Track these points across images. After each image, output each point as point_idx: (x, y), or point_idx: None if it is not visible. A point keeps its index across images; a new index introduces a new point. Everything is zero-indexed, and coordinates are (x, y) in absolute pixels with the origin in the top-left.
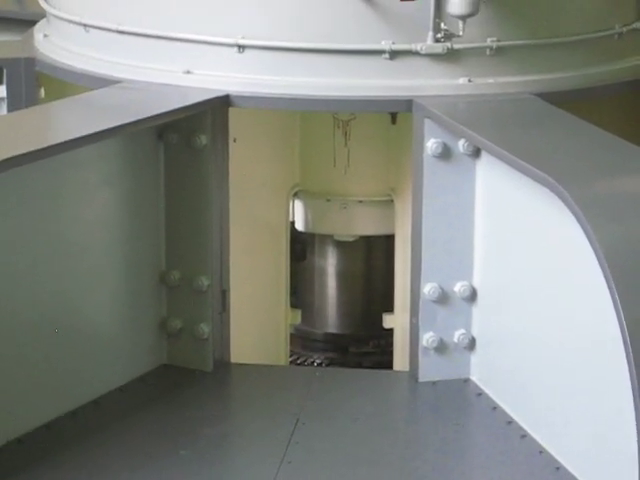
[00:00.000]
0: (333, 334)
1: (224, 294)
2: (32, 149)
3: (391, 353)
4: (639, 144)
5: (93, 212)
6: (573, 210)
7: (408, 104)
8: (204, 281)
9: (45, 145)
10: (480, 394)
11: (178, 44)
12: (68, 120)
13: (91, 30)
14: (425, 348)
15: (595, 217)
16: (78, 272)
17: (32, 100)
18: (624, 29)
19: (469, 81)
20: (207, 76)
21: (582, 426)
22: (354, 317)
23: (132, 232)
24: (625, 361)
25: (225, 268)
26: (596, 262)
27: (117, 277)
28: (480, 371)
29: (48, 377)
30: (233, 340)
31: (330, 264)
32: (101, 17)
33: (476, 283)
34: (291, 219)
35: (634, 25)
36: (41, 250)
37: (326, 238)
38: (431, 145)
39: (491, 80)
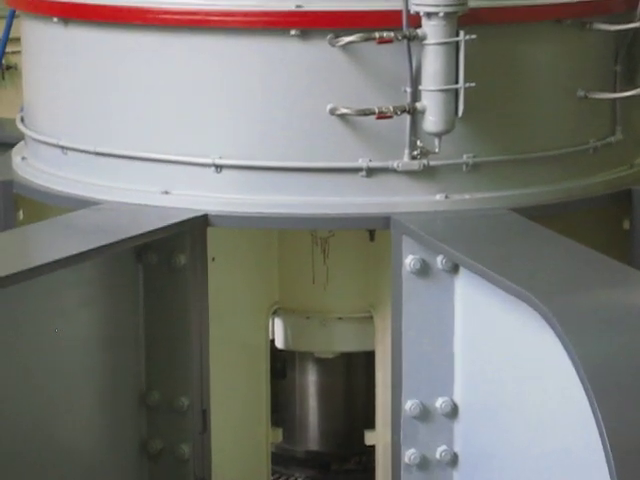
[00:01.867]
0: (314, 452)
1: (204, 414)
2: (8, 273)
3: (373, 470)
4: (617, 257)
5: (71, 335)
6: (552, 325)
7: (386, 221)
8: (184, 401)
9: (22, 269)
10: None
11: (155, 165)
12: (46, 243)
13: (69, 152)
14: (407, 465)
15: (575, 332)
16: (56, 396)
17: (10, 223)
18: (599, 143)
19: (446, 197)
20: (185, 196)
21: None
22: (335, 434)
23: (111, 354)
24: (608, 476)
25: (205, 388)
26: (577, 378)
27: (97, 400)
28: None
29: None
30: (214, 459)
31: (311, 381)
32: (78, 139)
33: (457, 399)
34: (271, 337)
35: (608, 139)
36: (17, 374)
37: (306, 355)
38: (410, 262)
39: (468, 196)
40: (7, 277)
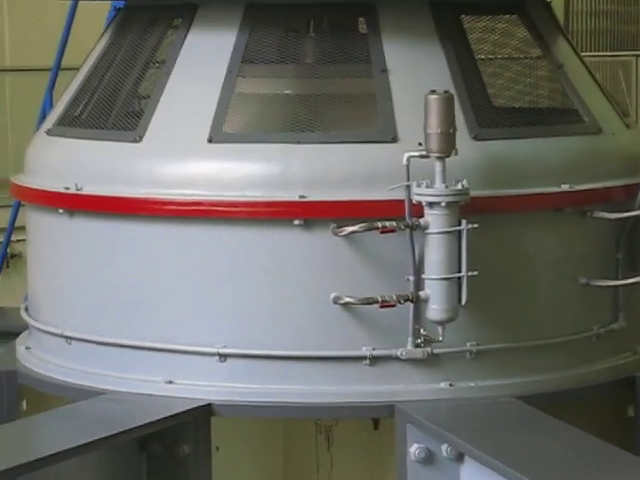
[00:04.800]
0: None
1: None
2: (12, 465)
3: None
4: (621, 444)
5: None
6: None
7: (390, 409)
8: None
9: (25, 461)
10: None
11: (159, 354)
12: (49, 434)
13: (73, 342)
14: None
15: None
16: None
17: (13, 413)
18: (602, 330)
19: (450, 385)
20: (189, 385)
21: None
22: None
23: None
24: None
25: None
26: None
27: None
28: None
29: None
30: None
31: None
32: (82, 329)
33: None
34: None
35: (611, 326)
36: None
37: None
38: (414, 450)
39: (472, 384)
40: (8, 470)
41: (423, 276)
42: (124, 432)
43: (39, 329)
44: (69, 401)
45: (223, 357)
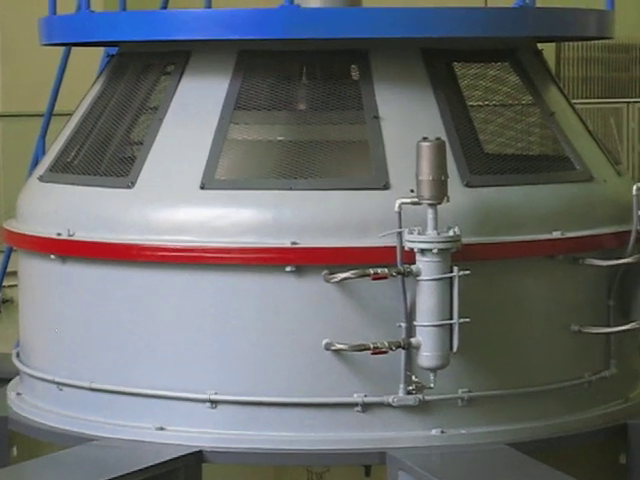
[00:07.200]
0: None
1: None
2: None
3: None
4: None
5: None
6: None
7: (382, 456)
8: None
9: None
10: None
11: (150, 400)
12: None
13: (64, 388)
14: None
15: None
16: None
17: (4, 460)
18: (594, 377)
19: (442, 432)
20: (180, 432)
21: None
22: None
23: None
24: None
25: None
26: None
27: None
28: None
29: None
30: None
31: None
32: (74, 375)
33: None
34: None
35: (603, 374)
36: None
37: None
38: None
39: (463, 431)
40: None
41: (415, 323)
42: (115, 479)
43: (30, 375)
44: (60, 447)
45: (214, 403)
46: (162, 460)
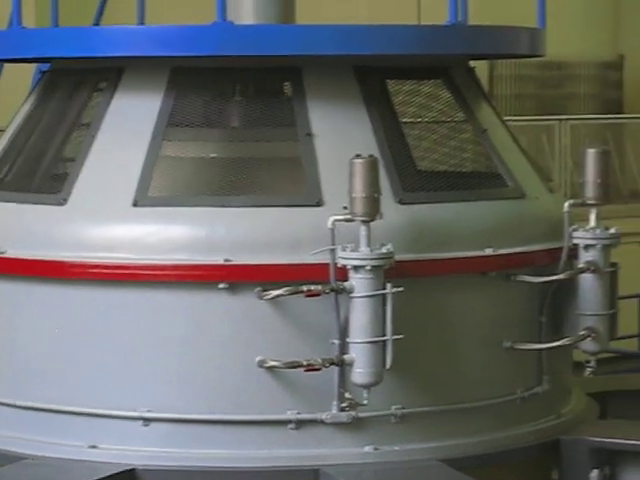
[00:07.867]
0: None
1: None
2: None
3: None
4: None
5: None
6: None
7: (315, 473)
8: None
9: None
10: None
11: (82, 418)
12: None
13: None
14: None
15: None
16: None
17: None
18: (526, 394)
19: (375, 449)
20: (113, 450)
21: None
22: None
23: None
24: None
25: None
26: None
27: None
28: None
29: None
30: None
31: None
32: (5, 393)
33: None
34: None
35: (535, 389)
36: None
37: None
38: None
39: (397, 447)
40: None
41: (348, 340)
42: None
43: None
44: None
45: (147, 421)
46: (95, 479)
